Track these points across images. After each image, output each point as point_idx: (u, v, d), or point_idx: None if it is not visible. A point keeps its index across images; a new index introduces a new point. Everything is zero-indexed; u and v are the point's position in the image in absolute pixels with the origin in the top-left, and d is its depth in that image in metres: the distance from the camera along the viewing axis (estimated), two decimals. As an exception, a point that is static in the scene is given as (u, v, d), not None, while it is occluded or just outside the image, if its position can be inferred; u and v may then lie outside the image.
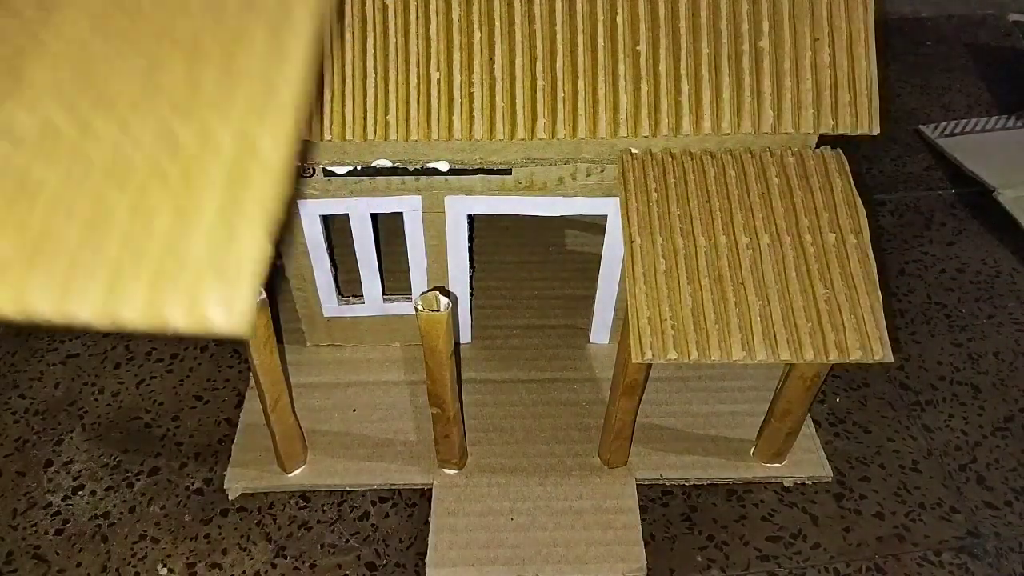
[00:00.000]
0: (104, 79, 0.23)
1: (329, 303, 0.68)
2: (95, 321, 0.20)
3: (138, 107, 0.23)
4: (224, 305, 0.20)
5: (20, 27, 0.25)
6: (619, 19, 0.53)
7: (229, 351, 0.73)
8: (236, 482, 0.62)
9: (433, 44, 0.53)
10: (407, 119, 0.53)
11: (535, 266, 0.81)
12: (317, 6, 0.25)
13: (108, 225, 0.21)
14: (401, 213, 0.61)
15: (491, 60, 0.53)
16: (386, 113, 0.53)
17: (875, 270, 0.51)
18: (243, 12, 0.24)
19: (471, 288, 0.69)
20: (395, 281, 0.72)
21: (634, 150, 0.56)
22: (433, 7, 0.53)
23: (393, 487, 0.63)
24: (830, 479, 0.64)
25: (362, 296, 0.68)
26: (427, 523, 0.60)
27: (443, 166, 0.57)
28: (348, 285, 0.70)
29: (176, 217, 0.21)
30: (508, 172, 0.58)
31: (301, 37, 0.24)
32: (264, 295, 0.50)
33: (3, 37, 0.25)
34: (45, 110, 0.23)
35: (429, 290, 0.49)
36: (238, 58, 0.24)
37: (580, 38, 0.53)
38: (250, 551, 0.59)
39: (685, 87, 0.53)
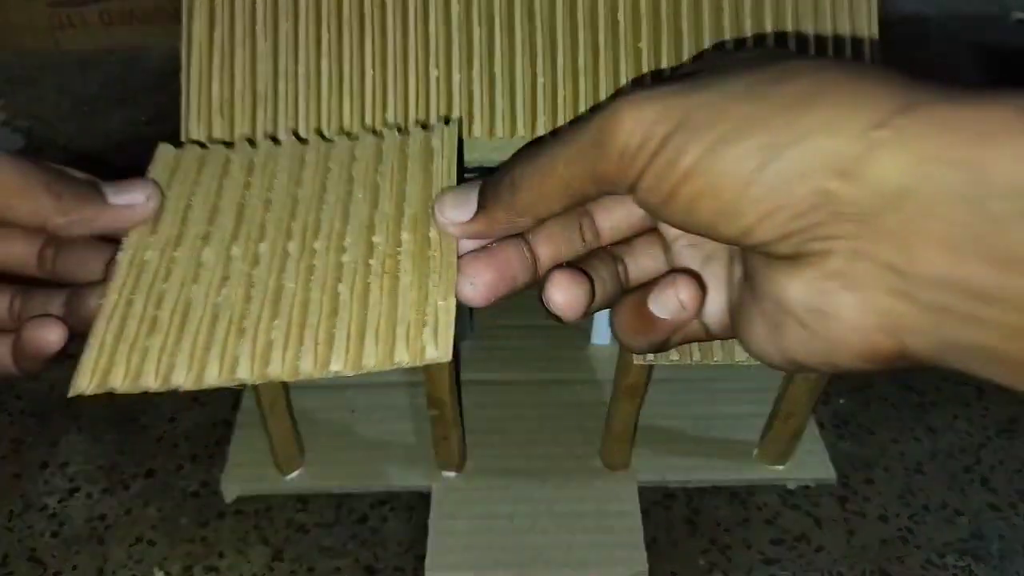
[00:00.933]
0: (309, 214, 0.35)
1: (328, 304, 0.68)
2: (346, 372, 0.30)
3: (339, 230, 0.34)
4: (434, 345, 0.30)
5: (232, 183, 0.36)
6: (620, 16, 0.53)
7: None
8: (233, 485, 0.62)
9: (432, 42, 0.52)
10: (405, 117, 0.52)
11: (535, 266, 0.81)
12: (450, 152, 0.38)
13: (340, 308, 0.31)
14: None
15: (491, 58, 0.52)
16: (384, 111, 0.52)
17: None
18: (400, 159, 0.38)
19: (471, 288, 0.68)
20: (394, 281, 0.71)
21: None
22: (432, 5, 0.52)
23: (392, 490, 0.62)
24: (834, 481, 0.63)
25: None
26: (426, 526, 0.59)
27: (442, 165, 0.56)
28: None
29: (386, 295, 0.31)
30: (508, 171, 0.57)
31: (443, 169, 0.37)
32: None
33: (224, 191, 0.36)
34: (272, 239, 0.34)
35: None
36: (404, 185, 0.36)
37: (581, 36, 0.52)
38: (247, 554, 0.58)
39: (687, 85, 0.53)
